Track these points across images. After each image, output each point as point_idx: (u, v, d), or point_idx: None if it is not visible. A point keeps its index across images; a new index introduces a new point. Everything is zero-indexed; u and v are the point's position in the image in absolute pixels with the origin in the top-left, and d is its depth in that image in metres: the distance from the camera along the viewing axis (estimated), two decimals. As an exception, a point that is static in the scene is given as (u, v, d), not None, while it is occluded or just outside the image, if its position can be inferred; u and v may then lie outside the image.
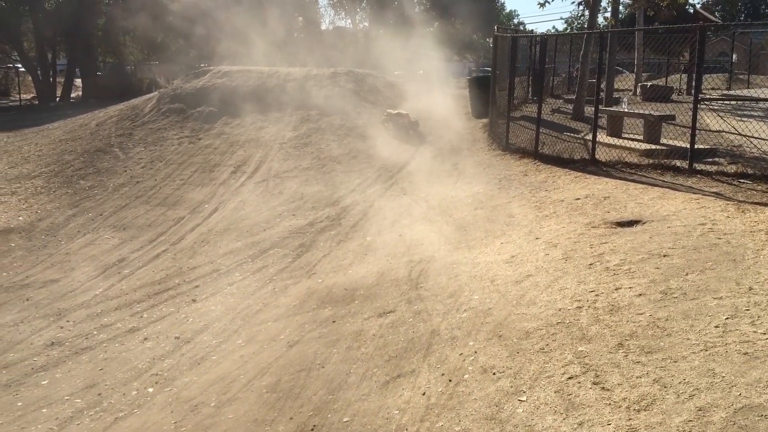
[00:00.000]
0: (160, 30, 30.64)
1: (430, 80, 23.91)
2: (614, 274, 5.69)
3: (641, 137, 11.49)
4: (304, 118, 17.15)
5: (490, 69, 19.52)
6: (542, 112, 12.40)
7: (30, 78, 32.95)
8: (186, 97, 18.73)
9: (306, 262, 8.97)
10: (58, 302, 8.29)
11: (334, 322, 6.63)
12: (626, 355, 4.23)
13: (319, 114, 17.32)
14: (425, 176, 12.31)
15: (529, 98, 18.91)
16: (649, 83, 21.53)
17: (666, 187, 8.76)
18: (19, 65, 34.15)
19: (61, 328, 7.52)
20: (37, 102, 30.97)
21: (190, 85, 19.66)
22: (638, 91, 20.36)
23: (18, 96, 31.49)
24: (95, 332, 7.34)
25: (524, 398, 4.09)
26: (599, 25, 17.83)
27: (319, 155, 14.52)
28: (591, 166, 10.63)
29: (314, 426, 4.62)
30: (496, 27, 19.73)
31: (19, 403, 5.91)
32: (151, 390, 5.92)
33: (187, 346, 6.77)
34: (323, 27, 48.60)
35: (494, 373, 4.50)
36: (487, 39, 46.44)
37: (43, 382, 6.30)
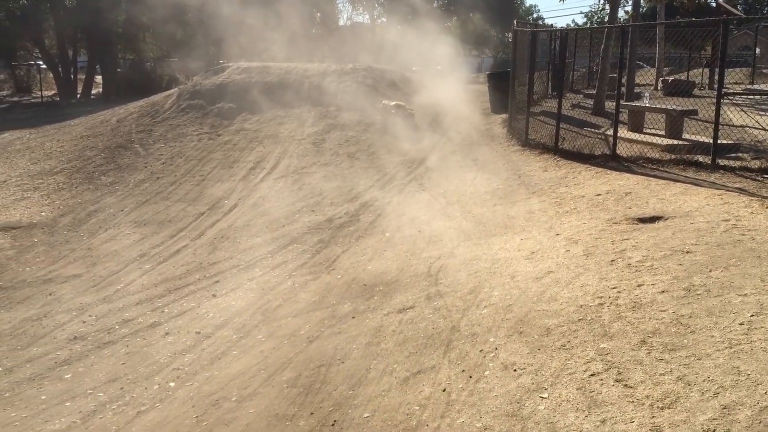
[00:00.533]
0: (179, 27, 30.82)
1: (448, 75, 23.83)
2: (636, 270, 5.64)
3: (663, 132, 11.37)
4: (322, 114, 17.18)
5: (509, 64, 19.41)
6: (562, 107, 12.31)
7: (51, 75, 33.30)
8: (205, 94, 18.83)
9: (325, 257, 8.98)
10: (80, 297, 8.38)
11: (353, 317, 6.64)
12: (649, 353, 4.19)
13: (337, 110, 17.33)
14: (444, 172, 12.28)
15: (548, 93, 18.79)
16: (671, 78, 21.28)
17: (689, 183, 8.66)
18: (41, 62, 34.51)
19: (84, 322, 7.60)
20: (58, 99, 31.30)
21: (210, 81, 19.76)
22: (660, 86, 20.14)
23: (40, 93, 31.85)
24: (117, 327, 7.41)
25: (546, 395, 4.07)
26: (620, 19, 17.66)
27: (338, 151, 14.53)
28: (612, 161, 10.54)
29: (335, 421, 4.63)
30: (515, 22, 19.61)
31: (43, 397, 5.99)
32: (172, 384, 5.97)
33: (208, 341, 6.82)
34: (341, 23, 48.61)
35: (515, 370, 4.48)
36: (506, 34, 46.17)
37: (66, 376, 6.38)
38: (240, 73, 20.05)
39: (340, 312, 6.91)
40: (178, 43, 33.02)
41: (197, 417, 5.25)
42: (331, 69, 20.26)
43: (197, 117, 17.59)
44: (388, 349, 5.57)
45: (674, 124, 11.13)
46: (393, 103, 16.55)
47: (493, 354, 4.82)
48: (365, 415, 4.58)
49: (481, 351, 4.93)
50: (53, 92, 32.65)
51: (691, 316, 4.54)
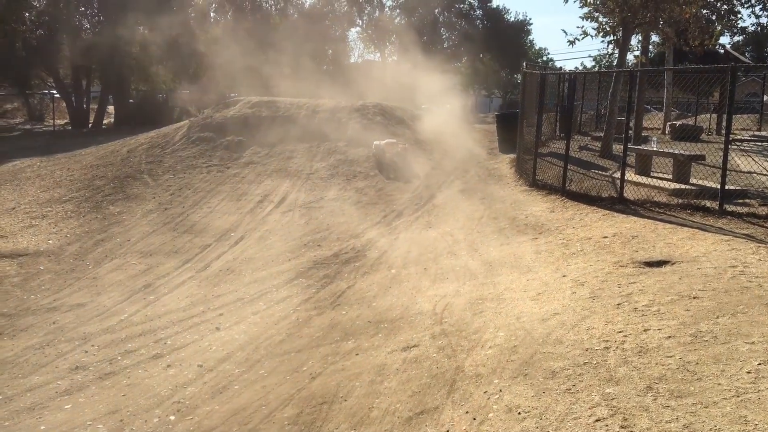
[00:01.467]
0: (191, 61, 31.30)
1: (457, 114, 24.04)
2: (643, 315, 5.60)
3: (670, 176, 11.40)
4: (331, 149, 17.31)
5: (518, 104, 19.58)
6: (570, 148, 12.38)
7: (64, 104, 33.72)
8: (215, 127, 19.02)
9: (330, 292, 8.96)
10: (83, 326, 8.36)
11: (357, 354, 6.60)
12: (655, 399, 4.14)
13: (346, 145, 17.47)
14: (451, 210, 12.31)
15: (556, 135, 18.91)
16: (679, 122, 21.41)
17: (696, 228, 8.65)
18: (54, 91, 34.98)
19: (86, 352, 7.57)
20: (70, 128, 31.65)
21: (221, 114, 19.98)
22: (667, 130, 20.25)
23: (52, 121, 32.21)
24: (119, 357, 7.38)
25: (550, 440, 4.01)
26: (628, 63, 17.85)
27: (346, 186, 14.60)
28: (619, 204, 10.55)
29: (335, 460, 4.58)
30: (524, 63, 19.84)
31: (42, 427, 5.94)
32: (172, 418, 5.92)
33: (210, 375, 6.77)
34: (352, 60, 49.28)
35: (519, 413, 4.43)
36: (516, 75, 46.68)
37: (66, 406, 6.33)
38: (250, 107, 20.29)
39: (343, 348, 6.87)
40: (190, 77, 33.50)
41: (196, 452, 5.19)
42: (341, 105, 20.48)
43: (207, 149, 17.75)
44: (392, 388, 5.53)
45: (682, 168, 11.16)
46: (384, 142, 16.49)
47: (498, 396, 4.77)
48: (367, 455, 4.53)
49: (485, 392, 4.88)
50: (65, 121, 33.03)
51: (698, 363, 4.50)
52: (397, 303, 7.96)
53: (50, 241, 11.83)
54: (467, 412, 4.68)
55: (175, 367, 7.02)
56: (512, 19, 49.67)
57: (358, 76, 28.01)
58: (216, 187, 15.02)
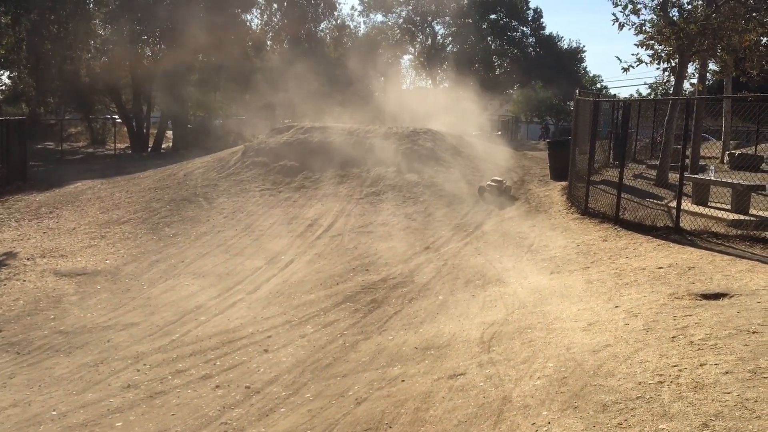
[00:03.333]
0: (247, 87, 32.08)
1: (508, 142, 23.92)
2: (699, 348, 5.42)
3: (729, 207, 11.08)
4: (381, 175, 17.42)
5: (570, 131, 19.38)
6: (624, 176, 12.16)
7: (125, 128, 34.91)
8: (269, 152, 19.38)
9: (377, 318, 8.96)
10: (136, 345, 8.54)
11: (403, 381, 6.56)
12: (712, 437, 3.99)
13: (396, 171, 17.55)
14: (500, 237, 12.20)
15: (610, 162, 18.61)
16: (738, 151, 20.82)
17: (755, 260, 8.35)
18: (116, 116, 36.26)
19: (138, 371, 7.72)
20: (130, 151, 32.70)
21: (274, 140, 20.37)
22: (726, 159, 19.71)
23: (113, 145, 33.34)
24: (170, 377, 7.50)
25: (600, 475, 3.90)
26: (685, 91, 17.52)
27: (395, 212, 14.64)
28: (675, 234, 10.29)
29: (379, 488, 4.53)
30: (577, 90, 19.66)
31: (94, 443, 6.06)
32: (219, 438, 5.97)
33: (257, 397, 6.82)
34: (404, 86, 49.68)
35: (568, 446, 4.32)
36: (568, 102, 46.29)
37: (117, 424, 6.46)
38: (303, 132, 20.62)
39: (389, 374, 6.84)
40: (246, 103, 34.30)
41: (242, 473, 5.21)
42: (393, 131, 20.63)
43: (260, 173, 18.08)
44: (437, 416, 5.46)
45: (741, 198, 10.84)
46: (486, 184, 15.88)
47: (546, 428, 4.66)
48: (411, 484, 4.47)
49: (533, 424, 4.78)
50: (126, 145, 34.14)
51: (756, 401, 4.32)
52: (444, 330, 7.90)
53: (108, 261, 12.18)
54: (514, 444, 4.59)
55: (224, 388, 7.10)
56: (566, 46, 49.41)
57: (410, 103, 28.19)
58: (268, 210, 15.26)
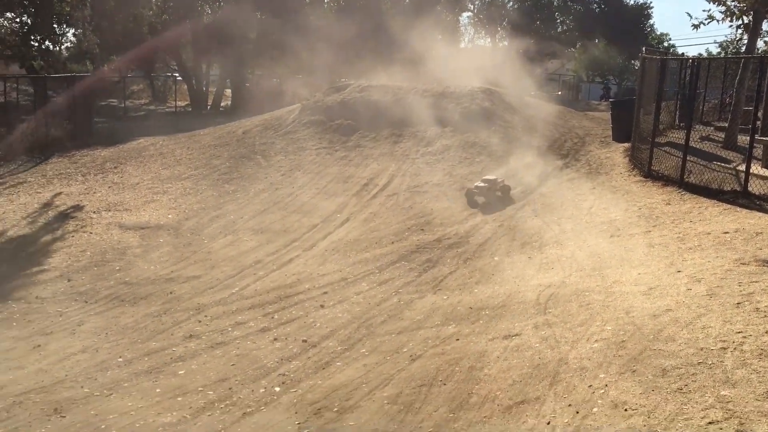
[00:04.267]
0: (306, 46, 32.05)
1: (569, 101, 23.32)
2: (765, 315, 5.25)
3: (802, 171, 10.58)
4: (438, 134, 17.24)
5: (634, 92, 18.74)
6: (690, 138, 11.71)
7: (185, 86, 35.40)
8: (326, 110, 19.38)
9: (432, 277, 8.98)
10: (197, 297, 8.80)
11: (457, 339, 6.59)
12: (777, 406, 3.88)
13: (453, 131, 17.34)
14: (559, 199, 11.99)
15: (676, 124, 17.94)
16: (814, 113, 19.75)
17: (830, 227, 7.99)
18: (177, 74, 36.77)
19: (199, 322, 7.97)
20: (190, 109, 33.20)
21: (331, 98, 20.34)
22: (800, 121, 18.74)
23: (174, 103, 33.90)
24: (229, 329, 7.72)
25: (658, 439, 3.85)
26: (758, 50, 16.66)
27: (451, 172, 14.52)
28: (742, 198, 9.91)
29: (433, 442, 4.59)
30: (643, 49, 18.92)
31: (158, 390, 6.31)
32: (277, 389, 6.14)
33: (314, 350, 6.96)
34: (463, 45, 48.73)
35: (626, 410, 4.28)
36: (633, 61, 44.65)
37: (179, 372, 6.70)
38: (360, 91, 20.52)
39: (444, 333, 6.87)
40: (303, 62, 34.30)
41: (299, 424, 5.36)
42: (450, 90, 20.32)
43: (317, 132, 18.13)
44: (492, 375, 5.48)
45: (816, 162, 10.33)
46: (475, 186, 12.63)
47: (603, 391, 4.62)
48: (465, 440, 4.52)
49: (590, 386, 4.74)
50: (186, 103, 34.65)
51: (827, 371, 4.17)
52: (500, 291, 7.87)
53: (170, 216, 12.51)
54: (570, 405, 4.56)
55: (281, 341, 7.27)
56: (631, 2, 47.46)
57: (468, 62, 27.66)
58: (324, 169, 15.34)
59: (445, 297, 8.09)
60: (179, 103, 33.95)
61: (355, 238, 11.03)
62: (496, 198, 12.40)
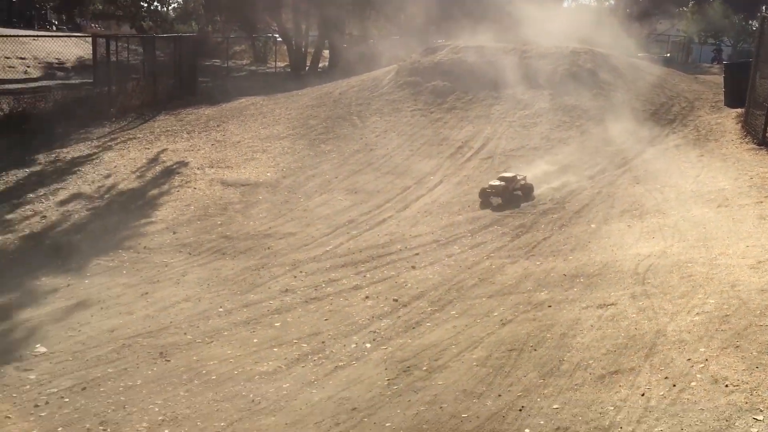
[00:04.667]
0: (403, 7, 31.78)
1: (678, 63, 22.10)
2: None
3: None
4: (536, 97, 16.80)
5: (750, 54, 17.51)
6: (813, 104, 10.89)
7: (285, 48, 35.98)
8: (422, 72, 19.23)
9: (525, 242, 8.86)
10: (293, 253, 9.07)
11: (549, 306, 6.50)
12: None
13: (552, 93, 16.84)
14: (663, 166, 11.48)
15: (796, 88, 16.69)
16: None
17: None
18: (277, 36, 37.40)
19: (295, 277, 8.22)
20: (289, 70, 33.78)
21: (427, 59, 20.14)
22: None
23: (274, 63, 34.58)
24: (323, 285, 7.93)
25: (761, 417, 3.69)
26: None
27: (549, 136, 14.16)
28: None
29: (522, 407, 4.58)
30: (763, 8, 17.60)
31: (255, 340, 6.59)
32: (368, 346, 6.28)
33: (404, 310, 7.06)
34: (565, 4, 46.90)
35: (727, 385, 4.11)
36: (751, 21, 41.63)
37: (275, 324, 6.96)
38: (456, 52, 20.20)
39: (536, 299, 6.80)
40: (400, 23, 34.08)
41: (389, 380, 5.47)
42: (550, 51, 19.66)
43: (412, 94, 18.05)
44: (584, 344, 5.38)
45: None
46: (489, 185, 10.68)
47: (703, 365, 4.45)
48: (555, 406, 4.48)
49: (688, 360, 4.58)
50: (285, 63, 35.26)
51: None
52: (596, 259, 7.67)
53: (268, 174, 12.87)
54: (666, 378, 4.43)
55: (373, 299, 7.40)
56: (753, -44, 44.05)
57: (570, 22, 26.65)
58: (419, 131, 15.30)
59: (538, 263, 7.97)
60: (279, 64, 34.59)
61: (447, 200, 11.00)
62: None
